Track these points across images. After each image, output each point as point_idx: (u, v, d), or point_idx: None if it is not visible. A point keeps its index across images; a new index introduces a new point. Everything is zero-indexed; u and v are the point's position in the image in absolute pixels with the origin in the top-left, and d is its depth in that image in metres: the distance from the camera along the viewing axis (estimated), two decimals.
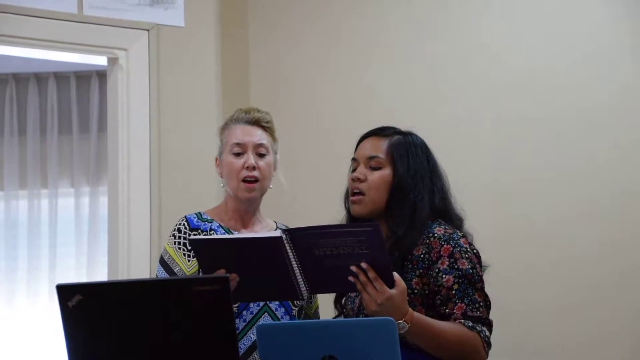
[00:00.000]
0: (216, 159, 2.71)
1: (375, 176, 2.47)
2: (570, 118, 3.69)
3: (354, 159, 2.53)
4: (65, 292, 1.88)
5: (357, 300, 2.48)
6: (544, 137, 3.69)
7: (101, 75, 5.07)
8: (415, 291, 2.34)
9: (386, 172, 2.47)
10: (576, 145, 3.67)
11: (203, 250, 2.30)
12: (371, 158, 2.48)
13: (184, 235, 2.61)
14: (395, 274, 2.22)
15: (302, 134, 3.85)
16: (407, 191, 2.43)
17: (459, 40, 3.80)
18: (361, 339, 1.96)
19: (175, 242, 2.61)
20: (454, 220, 2.48)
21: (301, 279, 2.27)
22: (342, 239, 2.17)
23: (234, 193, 2.64)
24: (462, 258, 2.36)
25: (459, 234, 2.42)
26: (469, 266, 2.36)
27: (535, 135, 3.69)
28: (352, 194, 2.50)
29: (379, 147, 2.49)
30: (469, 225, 2.52)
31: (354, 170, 2.52)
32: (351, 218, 2.54)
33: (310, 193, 3.72)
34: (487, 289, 2.40)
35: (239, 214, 2.67)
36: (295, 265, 2.25)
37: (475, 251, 2.42)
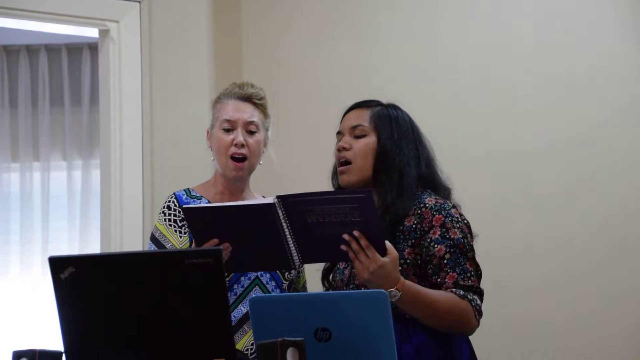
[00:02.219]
0: (207, 132, 2.70)
1: (360, 144, 2.49)
2: (567, 86, 3.65)
3: (339, 132, 2.56)
4: (57, 265, 1.88)
5: (346, 272, 2.50)
6: (541, 107, 3.65)
7: (93, 47, 5.04)
8: (408, 261, 2.35)
9: (371, 139, 2.49)
10: (575, 115, 3.63)
11: (196, 218, 2.31)
12: (355, 127, 2.51)
13: (174, 212, 2.61)
14: (387, 242, 2.23)
15: (294, 109, 3.84)
16: (392, 157, 2.46)
17: (457, 16, 3.75)
18: (354, 312, 1.97)
19: (165, 219, 2.61)
20: (442, 190, 2.51)
21: (294, 248, 2.27)
22: (334, 206, 2.17)
23: (222, 170, 2.64)
24: (454, 228, 2.38)
25: (450, 204, 2.45)
26: (460, 236, 2.38)
27: (532, 105, 3.66)
28: (339, 165, 2.51)
29: (363, 117, 2.52)
30: (458, 196, 2.54)
31: (338, 142, 2.54)
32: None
33: (301, 169, 3.71)
34: (481, 263, 2.42)
35: (228, 190, 2.67)
36: (288, 234, 2.25)
37: (465, 221, 2.44)
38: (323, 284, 2.60)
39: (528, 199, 3.61)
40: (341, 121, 2.58)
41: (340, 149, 2.51)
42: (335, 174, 2.57)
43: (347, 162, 2.49)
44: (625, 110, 3.59)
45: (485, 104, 3.70)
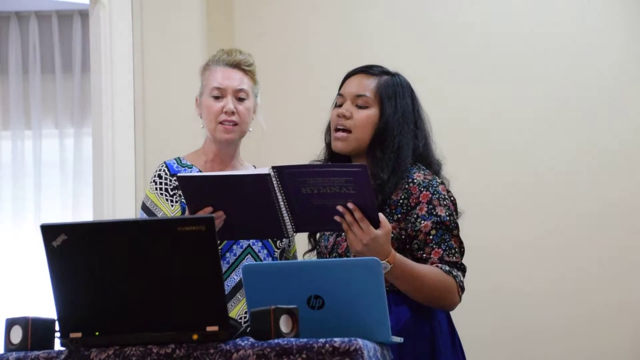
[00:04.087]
0: (196, 99, 2.70)
1: (362, 115, 2.46)
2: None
3: (340, 95, 2.52)
4: (50, 232, 1.88)
5: (331, 239, 2.50)
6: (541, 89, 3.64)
7: (83, 14, 5.00)
8: (392, 235, 2.35)
9: (373, 112, 2.47)
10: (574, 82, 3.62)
11: (190, 187, 2.31)
12: (359, 96, 2.48)
13: (165, 181, 2.61)
14: (381, 215, 2.24)
15: (285, 74, 3.82)
16: (393, 135, 2.44)
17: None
18: (347, 280, 1.98)
19: (156, 188, 2.61)
20: (434, 166, 2.50)
21: (287, 217, 2.28)
22: (329, 179, 2.19)
23: (212, 135, 2.63)
24: (440, 205, 2.39)
25: (438, 180, 2.45)
26: (447, 213, 2.39)
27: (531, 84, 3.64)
28: (335, 130, 2.49)
29: (367, 86, 2.48)
30: (447, 170, 2.54)
31: (338, 106, 2.51)
32: (330, 153, 2.54)
33: (292, 135, 3.70)
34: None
35: (219, 157, 2.66)
36: (282, 203, 2.26)
37: (452, 198, 2.46)
38: (309, 241, 2.60)
39: (529, 198, 3.59)
40: (343, 82, 2.54)
41: (340, 115, 2.49)
42: (328, 132, 2.55)
43: (345, 130, 2.47)
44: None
45: (481, 73, 3.68)
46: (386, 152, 2.43)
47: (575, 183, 3.57)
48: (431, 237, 2.37)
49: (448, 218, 2.39)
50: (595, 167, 3.57)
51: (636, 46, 3.59)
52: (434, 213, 2.38)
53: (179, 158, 2.69)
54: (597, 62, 3.60)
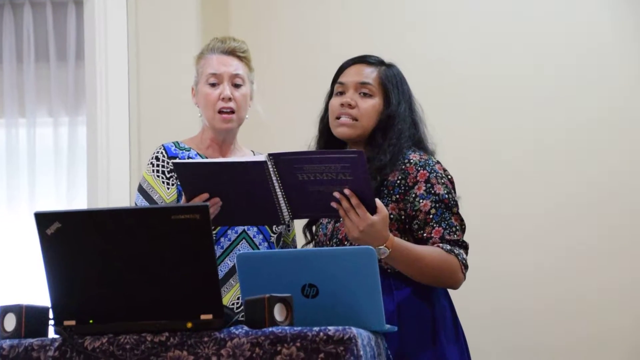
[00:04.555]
0: (192, 89, 2.70)
1: (367, 104, 2.49)
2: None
3: (340, 83, 2.53)
4: (43, 220, 1.88)
5: (329, 226, 2.51)
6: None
7: (78, 3, 4.98)
8: (391, 216, 2.37)
9: (377, 101, 2.50)
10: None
11: (187, 173, 2.31)
12: (363, 84, 2.50)
13: (162, 164, 2.61)
14: (378, 201, 2.26)
15: (282, 63, 3.81)
16: (395, 123, 2.48)
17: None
18: (341, 268, 1.98)
19: (153, 170, 2.61)
20: (427, 150, 2.53)
21: (284, 204, 2.29)
22: (326, 165, 2.19)
23: (210, 124, 2.64)
24: (438, 183, 2.41)
25: (434, 159, 2.48)
26: (445, 191, 2.41)
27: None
28: (336, 116, 2.50)
29: (369, 75, 2.52)
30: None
31: (338, 94, 2.52)
32: (325, 140, 2.55)
33: (289, 122, 3.70)
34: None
35: (216, 144, 2.68)
36: (279, 190, 2.27)
37: (449, 177, 2.48)
38: (305, 235, 2.61)
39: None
40: (341, 71, 2.56)
41: (344, 105, 2.49)
42: (323, 119, 2.56)
43: (351, 119, 2.49)
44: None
45: (476, 63, 3.68)
46: (387, 138, 2.46)
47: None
48: (431, 216, 2.39)
49: (447, 196, 2.41)
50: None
51: None
52: (433, 192, 2.40)
53: (177, 142, 2.70)
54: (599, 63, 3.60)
